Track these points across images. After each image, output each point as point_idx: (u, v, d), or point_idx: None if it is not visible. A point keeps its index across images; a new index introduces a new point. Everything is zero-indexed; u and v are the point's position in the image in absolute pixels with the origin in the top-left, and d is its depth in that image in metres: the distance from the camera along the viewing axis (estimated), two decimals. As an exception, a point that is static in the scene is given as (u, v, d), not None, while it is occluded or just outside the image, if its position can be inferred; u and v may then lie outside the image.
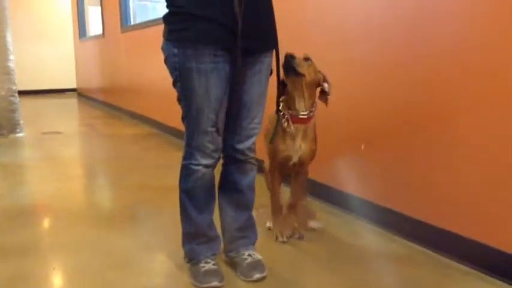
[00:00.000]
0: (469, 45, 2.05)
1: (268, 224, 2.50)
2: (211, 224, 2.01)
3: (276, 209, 2.42)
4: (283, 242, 2.34)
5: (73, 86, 11.46)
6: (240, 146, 1.97)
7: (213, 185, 1.99)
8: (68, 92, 11.56)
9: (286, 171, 2.38)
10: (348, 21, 2.74)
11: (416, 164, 2.35)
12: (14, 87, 5.79)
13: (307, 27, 3.09)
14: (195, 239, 1.99)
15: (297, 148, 2.24)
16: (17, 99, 5.83)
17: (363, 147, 2.67)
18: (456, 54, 2.11)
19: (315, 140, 2.30)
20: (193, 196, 1.94)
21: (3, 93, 5.65)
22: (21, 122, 5.88)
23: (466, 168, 2.10)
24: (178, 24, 1.79)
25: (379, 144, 2.58)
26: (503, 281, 1.95)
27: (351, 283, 1.96)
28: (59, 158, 4.66)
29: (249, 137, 1.97)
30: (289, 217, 2.42)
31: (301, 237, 2.38)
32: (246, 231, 2.10)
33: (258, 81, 1.91)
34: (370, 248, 2.33)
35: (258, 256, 2.05)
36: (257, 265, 2.00)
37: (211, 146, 1.87)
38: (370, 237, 2.47)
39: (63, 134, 5.97)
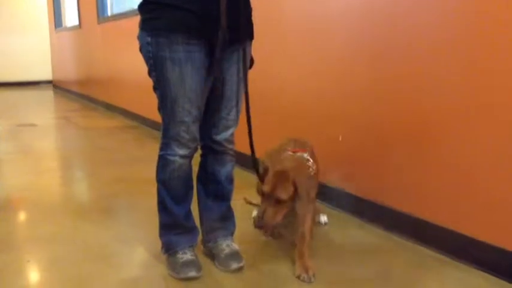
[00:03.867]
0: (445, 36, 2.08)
1: (255, 213, 2.52)
2: (188, 215, 2.01)
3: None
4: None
5: (49, 77, 11.27)
6: (218, 137, 1.97)
7: (190, 176, 1.98)
8: (44, 84, 11.38)
9: None
10: (329, 10, 2.75)
11: (391, 154, 2.38)
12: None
13: (285, 17, 3.10)
14: (172, 230, 1.98)
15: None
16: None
17: (340, 138, 2.70)
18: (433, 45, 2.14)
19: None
20: (170, 187, 1.93)
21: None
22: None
23: (435, 156, 2.13)
24: (151, 13, 1.78)
25: (357, 135, 2.60)
26: (478, 269, 2.00)
27: (326, 274, 1.98)
28: (34, 150, 4.58)
29: (227, 128, 1.97)
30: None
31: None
32: (224, 222, 2.10)
33: (235, 71, 1.90)
34: (346, 238, 2.36)
35: (235, 247, 2.06)
36: (235, 255, 2.01)
37: (187, 136, 1.86)
38: (346, 227, 2.50)
39: (38, 127, 5.87)
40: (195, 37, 1.76)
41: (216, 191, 2.06)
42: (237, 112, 1.97)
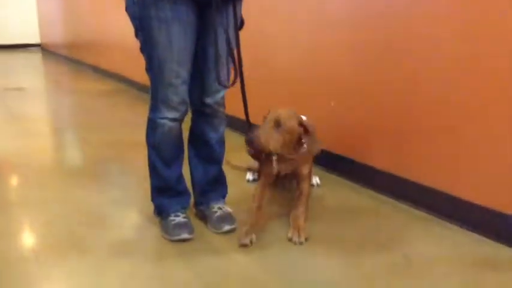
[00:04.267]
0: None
1: (248, 176, 2.54)
2: (180, 178, 2.01)
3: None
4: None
5: (37, 41, 11.05)
6: (208, 100, 1.95)
7: (181, 138, 1.97)
8: (32, 48, 11.15)
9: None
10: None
11: (381, 118, 2.38)
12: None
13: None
14: (164, 193, 1.99)
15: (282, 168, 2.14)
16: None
17: (332, 104, 2.69)
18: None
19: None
20: (160, 150, 1.92)
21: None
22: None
23: (425, 119, 2.14)
24: None
25: (349, 100, 2.59)
26: (458, 225, 2.04)
27: (319, 236, 2.01)
28: (23, 114, 4.53)
29: (217, 91, 1.94)
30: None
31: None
32: (216, 185, 2.11)
33: (224, 32, 1.86)
34: (338, 200, 2.39)
35: (227, 209, 2.07)
36: (227, 217, 2.02)
37: (176, 99, 1.84)
38: (338, 189, 2.53)
39: (26, 90, 5.79)
40: None
41: (207, 154, 2.06)
42: (227, 74, 1.94)
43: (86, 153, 3.27)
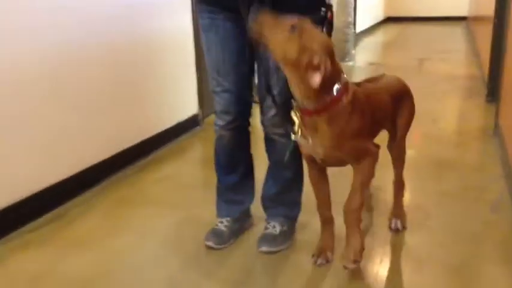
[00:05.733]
0: None
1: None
2: (236, 187, 2.04)
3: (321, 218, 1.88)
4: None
5: (463, 13, 10.61)
6: (262, 118, 1.89)
7: (237, 147, 1.97)
8: (453, 21, 10.78)
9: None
10: None
11: None
12: (350, 19, 6.25)
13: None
14: (220, 196, 2.08)
15: (313, 146, 1.64)
16: (351, 30, 6.29)
17: None
18: None
19: (344, 135, 1.59)
20: (217, 156, 2.02)
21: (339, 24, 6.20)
22: (353, 52, 6.34)
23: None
24: None
25: None
26: None
27: None
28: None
29: (270, 108, 1.82)
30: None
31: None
32: (276, 202, 2.02)
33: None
34: None
35: (278, 230, 1.97)
36: (271, 238, 1.95)
37: (219, 107, 1.87)
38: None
39: (385, 66, 6.09)
40: (217, 4, 1.74)
41: (271, 172, 2.01)
42: (279, 93, 1.74)
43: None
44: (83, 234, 2.15)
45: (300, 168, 1.97)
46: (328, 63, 1.46)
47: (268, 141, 1.93)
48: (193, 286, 1.77)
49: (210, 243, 1.97)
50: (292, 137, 1.67)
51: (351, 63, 6.25)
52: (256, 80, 1.89)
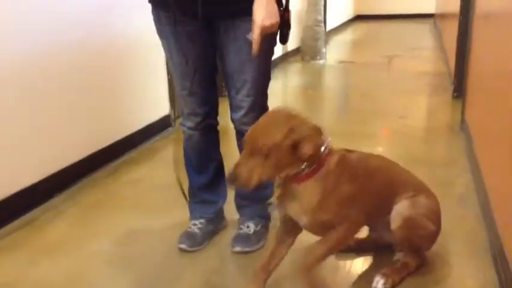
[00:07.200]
0: None
1: None
2: (208, 187, 2.04)
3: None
4: None
5: (431, 11, 10.79)
6: (233, 116, 1.91)
7: (207, 148, 1.99)
8: (421, 18, 10.95)
9: None
10: None
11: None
12: (320, 18, 6.30)
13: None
14: (192, 198, 2.09)
15: (290, 211, 1.57)
16: (321, 28, 6.34)
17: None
18: None
19: (322, 206, 1.49)
20: (187, 156, 2.03)
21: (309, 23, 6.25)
22: (324, 50, 6.40)
23: None
24: None
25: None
26: None
27: None
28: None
29: (239, 108, 1.86)
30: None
31: None
32: (249, 200, 2.03)
33: (236, 49, 1.76)
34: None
35: (252, 229, 1.98)
36: (245, 238, 1.96)
37: (186, 110, 1.91)
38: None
39: (355, 63, 6.18)
40: (165, 10, 1.75)
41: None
42: (248, 93, 1.81)
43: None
44: (54, 240, 2.12)
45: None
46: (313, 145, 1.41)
47: (240, 134, 1.93)
48: (167, 289, 1.76)
49: (183, 246, 1.97)
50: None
51: (321, 61, 6.31)
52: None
